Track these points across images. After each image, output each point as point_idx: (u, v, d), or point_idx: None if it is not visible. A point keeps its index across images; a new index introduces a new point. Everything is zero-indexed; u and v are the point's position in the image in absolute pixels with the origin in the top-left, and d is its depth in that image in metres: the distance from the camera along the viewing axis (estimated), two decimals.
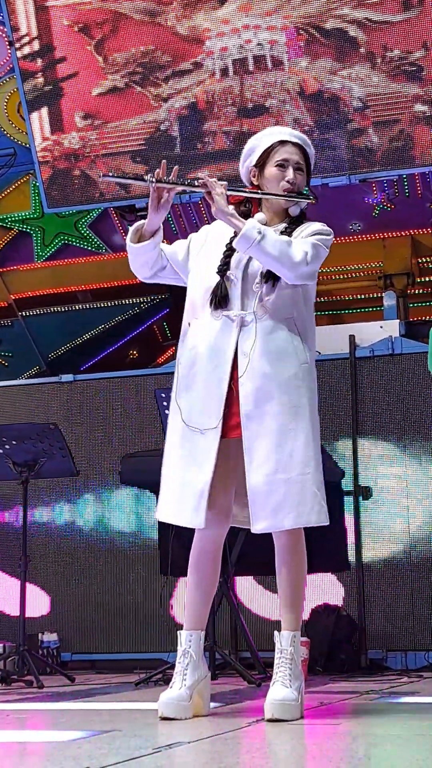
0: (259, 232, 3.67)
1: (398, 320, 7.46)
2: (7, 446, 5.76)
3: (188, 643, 3.81)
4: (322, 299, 9.11)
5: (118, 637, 6.72)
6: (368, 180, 7.64)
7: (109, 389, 7.21)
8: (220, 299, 3.79)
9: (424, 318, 8.30)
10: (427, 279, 8.98)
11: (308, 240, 3.80)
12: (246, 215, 3.84)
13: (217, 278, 3.82)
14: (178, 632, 3.88)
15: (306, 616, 6.06)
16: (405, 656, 6.15)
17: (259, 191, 3.88)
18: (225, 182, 3.80)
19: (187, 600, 3.90)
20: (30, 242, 9.39)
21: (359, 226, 8.54)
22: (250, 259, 3.80)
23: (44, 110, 8.12)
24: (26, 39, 8.06)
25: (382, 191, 8.19)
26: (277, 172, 3.88)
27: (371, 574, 6.31)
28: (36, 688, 5.24)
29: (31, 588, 6.40)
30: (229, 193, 3.79)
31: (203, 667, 3.84)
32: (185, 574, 5.93)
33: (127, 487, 6.76)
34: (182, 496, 3.80)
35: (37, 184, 8.43)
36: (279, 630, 3.82)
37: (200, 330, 3.82)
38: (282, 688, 3.65)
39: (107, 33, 7.85)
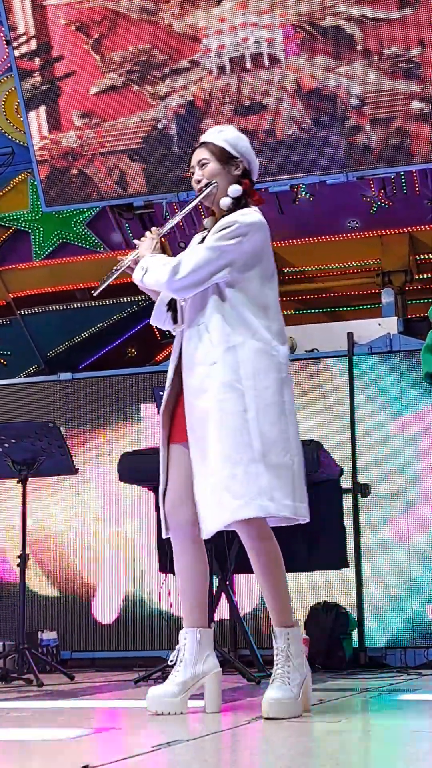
0: (142, 268, 3.90)
1: (396, 317, 7.46)
2: (6, 444, 5.77)
3: (183, 640, 3.87)
4: (321, 296, 9.12)
5: (117, 635, 6.72)
6: (366, 177, 7.63)
7: (107, 387, 7.21)
8: (173, 315, 3.99)
9: (422, 315, 8.30)
10: (425, 276, 8.97)
11: (203, 246, 3.85)
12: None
13: None
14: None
15: (305, 613, 6.06)
16: (404, 653, 6.17)
17: (183, 210, 4.06)
18: (154, 228, 4.08)
19: (181, 600, 3.94)
20: (28, 241, 9.38)
21: (357, 223, 8.54)
22: None
23: (42, 109, 8.12)
24: (24, 38, 8.06)
25: (380, 189, 8.19)
26: (192, 182, 4.01)
27: (370, 571, 6.32)
28: (35, 686, 5.25)
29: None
30: (162, 232, 4.06)
31: (203, 664, 3.86)
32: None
33: (125, 484, 6.75)
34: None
35: (35, 182, 8.42)
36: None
37: None
38: (278, 687, 3.66)
39: (104, 32, 7.84)
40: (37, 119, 8.14)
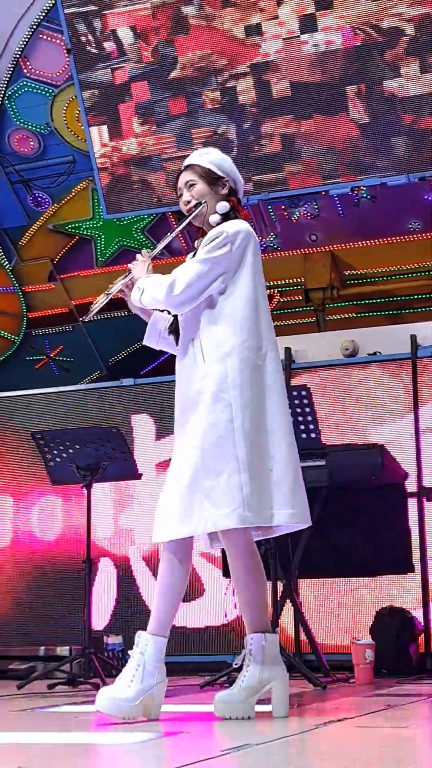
0: (139, 289, 3.99)
1: None
2: (70, 450, 5.81)
3: (144, 646, 3.89)
4: (382, 299, 9.06)
5: (182, 640, 6.73)
6: (427, 178, 7.57)
7: (169, 392, 7.20)
8: (173, 332, 4.07)
9: None
10: None
11: (193, 260, 3.94)
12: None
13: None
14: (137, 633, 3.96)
15: (371, 618, 6.02)
16: None
17: (173, 230, 4.17)
18: (145, 251, 4.18)
19: (154, 605, 3.99)
20: (90, 248, 9.45)
21: (419, 224, 8.49)
22: None
23: (103, 117, 8.17)
24: (85, 47, 8.11)
25: None
26: (180, 204, 4.12)
27: None
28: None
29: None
30: (153, 254, 4.14)
31: (157, 675, 3.88)
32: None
33: None
34: None
35: (97, 190, 8.48)
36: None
37: None
38: (230, 690, 3.84)
39: (164, 38, 7.87)
40: (98, 127, 8.19)
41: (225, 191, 4.07)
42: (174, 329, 4.08)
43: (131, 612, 6.96)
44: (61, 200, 9.34)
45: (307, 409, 5.44)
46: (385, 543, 5.96)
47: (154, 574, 6.27)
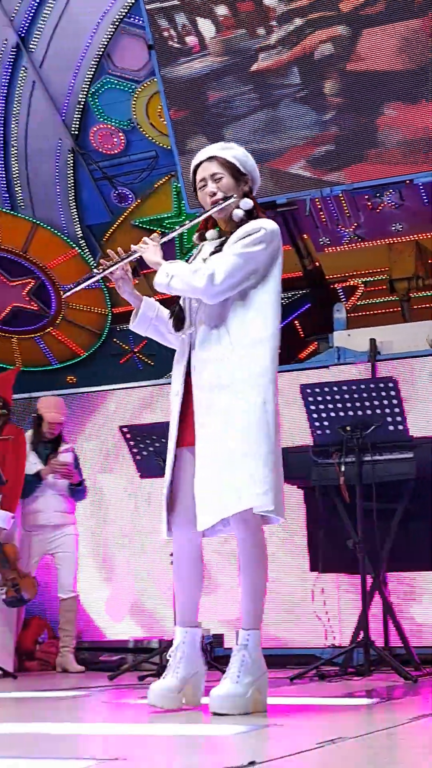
0: (167, 275, 3.94)
1: None
2: (156, 444, 5.85)
3: (182, 638, 4.00)
4: None
5: (271, 633, 6.74)
6: None
7: None
8: (176, 321, 4.07)
9: None
10: None
11: (230, 251, 3.95)
12: (203, 235, 4.16)
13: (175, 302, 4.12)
14: (175, 628, 4.05)
15: None
16: None
17: (189, 220, 4.17)
18: (155, 235, 4.12)
19: (176, 600, 4.09)
20: (172, 243, 9.49)
21: None
22: None
23: (185, 111, 8.20)
24: (168, 42, 8.15)
25: None
26: (202, 194, 4.11)
27: None
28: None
29: None
30: (162, 241, 4.08)
31: (199, 663, 4.02)
32: (335, 570, 5.99)
33: None
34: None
35: (179, 185, 8.51)
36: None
37: (175, 354, 4.13)
38: (228, 684, 3.78)
39: (245, 31, 7.87)
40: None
41: (246, 188, 4.11)
42: (178, 317, 4.07)
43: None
44: (144, 196, 9.40)
45: (394, 401, 5.39)
46: None
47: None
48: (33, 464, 7.02)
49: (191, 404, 3.98)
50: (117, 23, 8.80)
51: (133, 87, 8.97)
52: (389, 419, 5.38)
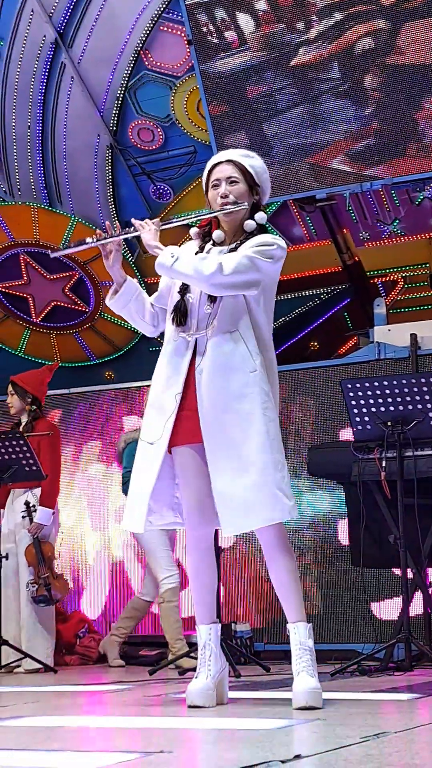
0: (172, 256, 3.96)
1: None
2: None
3: (208, 636, 4.07)
4: None
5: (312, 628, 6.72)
6: None
7: (292, 381, 7.23)
8: (180, 317, 4.06)
9: None
10: None
11: (241, 252, 3.99)
12: (208, 234, 4.16)
13: (178, 297, 4.10)
14: (197, 627, 4.12)
15: None
16: None
17: (195, 214, 4.25)
18: (157, 219, 4.15)
19: (194, 598, 4.16)
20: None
21: None
22: None
23: (224, 107, 8.20)
24: (207, 37, 8.14)
25: None
26: (213, 193, 4.13)
27: None
28: (234, 677, 5.31)
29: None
30: (163, 227, 4.13)
31: (223, 659, 4.11)
32: (376, 565, 5.98)
33: (314, 478, 6.77)
34: (131, 504, 4.10)
35: None
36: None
37: (165, 350, 4.12)
38: (309, 678, 3.85)
39: (286, 25, 7.85)
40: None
41: (255, 199, 4.16)
42: (183, 312, 4.07)
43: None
44: (183, 191, 9.41)
45: None
46: None
47: None
48: None
49: (186, 405, 4.01)
50: (156, 19, 8.81)
51: (172, 82, 8.97)
52: (431, 414, 5.36)
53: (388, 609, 6.40)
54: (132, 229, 4.12)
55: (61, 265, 9.79)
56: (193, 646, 6.11)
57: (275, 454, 3.94)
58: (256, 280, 3.98)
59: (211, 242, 4.16)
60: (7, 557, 6.64)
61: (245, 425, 3.93)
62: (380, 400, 5.39)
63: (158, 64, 9.01)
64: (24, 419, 7.00)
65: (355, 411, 5.47)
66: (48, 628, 6.75)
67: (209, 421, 3.96)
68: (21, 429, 6.87)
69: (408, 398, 5.35)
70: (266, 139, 8.04)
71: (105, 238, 4.07)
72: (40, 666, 6.47)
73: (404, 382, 5.37)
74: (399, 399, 5.36)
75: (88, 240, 4.08)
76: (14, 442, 6.43)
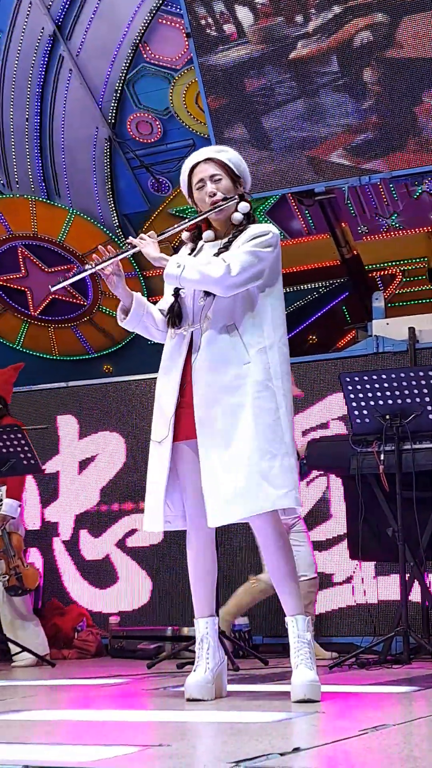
0: (178, 266, 3.97)
1: None
2: None
3: (205, 629, 4.08)
4: None
5: (310, 621, 6.73)
6: None
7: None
8: (174, 317, 4.09)
9: None
10: None
11: (241, 249, 4.01)
12: (199, 235, 4.20)
13: (172, 299, 4.12)
14: (195, 620, 4.12)
15: None
16: None
17: (188, 219, 4.17)
18: (152, 232, 4.12)
19: (192, 590, 4.15)
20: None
21: None
22: None
23: (223, 100, 8.18)
24: (206, 30, 8.13)
25: None
26: (200, 194, 4.15)
27: None
28: (232, 670, 5.31)
29: None
30: (159, 238, 4.10)
31: (221, 652, 4.10)
32: (375, 558, 5.98)
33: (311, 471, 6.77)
34: (148, 504, 4.10)
35: None
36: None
37: (165, 349, 4.15)
38: (307, 671, 3.85)
39: (284, 18, 7.83)
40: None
41: (241, 191, 4.18)
42: (177, 313, 4.09)
43: None
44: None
45: None
46: None
47: None
48: None
49: (184, 401, 4.02)
50: (154, 11, 8.80)
51: (171, 75, 8.96)
52: (429, 408, 5.36)
53: (386, 602, 6.40)
54: (129, 246, 4.13)
55: (59, 258, 9.79)
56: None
57: (264, 443, 3.90)
58: (261, 270, 4.01)
59: (202, 241, 4.20)
60: None
61: (233, 418, 3.93)
62: (378, 394, 5.39)
63: (157, 56, 9.00)
64: None
65: (354, 404, 5.47)
66: (30, 618, 6.80)
67: (201, 415, 3.97)
68: None
69: (406, 392, 5.35)
70: (265, 133, 8.03)
71: (102, 262, 4.07)
72: (34, 658, 6.50)
73: (402, 375, 5.37)
74: (397, 392, 5.36)
75: (87, 267, 4.10)
76: (12, 436, 6.43)
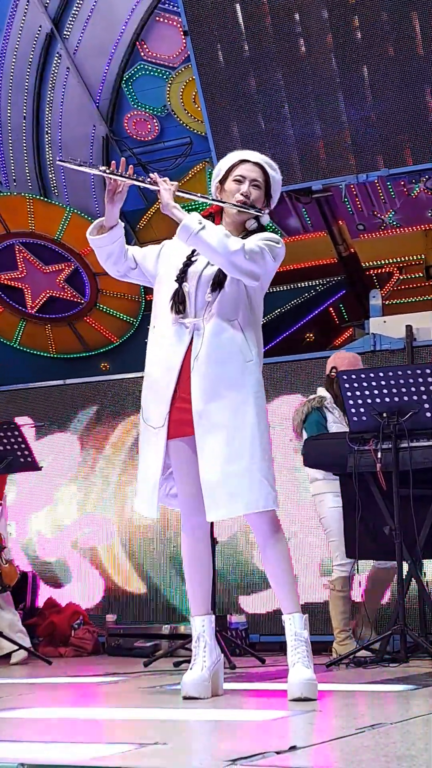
0: (200, 222, 3.91)
1: None
2: None
3: (202, 627, 4.07)
4: None
5: (307, 619, 6.72)
6: None
7: (288, 372, 7.22)
8: (178, 305, 4.04)
9: None
10: None
11: (254, 239, 4.02)
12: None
13: (176, 285, 4.07)
14: (191, 618, 4.11)
15: None
16: None
17: (210, 197, 4.15)
18: (176, 183, 4.09)
19: (187, 588, 4.16)
20: None
21: None
22: (204, 269, 4.05)
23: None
24: (204, 27, 8.11)
25: None
26: (234, 186, 4.11)
27: None
28: (228, 668, 5.30)
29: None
30: (178, 193, 4.06)
31: (217, 650, 4.10)
32: (372, 557, 5.97)
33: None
34: (141, 488, 4.10)
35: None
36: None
37: (158, 334, 4.10)
38: (304, 669, 3.84)
39: (283, 17, 7.82)
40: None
41: (266, 211, 4.18)
42: (181, 299, 4.07)
43: None
44: (178, 182, 9.38)
45: (431, 388, 5.36)
46: None
47: None
48: None
49: (180, 394, 4.00)
50: (151, 9, 8.79)
51: (168, 73, 8.95)
52: (426, 405, 5.35)
53: (383, 600, 6.39)
54: (149, 180, 4.07)
55: (56, 256, 9.78)
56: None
57: (264, 444, 3.95)
58: (259, 273, 4.00)
59: None
60: None
61: (237, 414, 3.93)
62: (376, 392, 5.38)
63: (154, 54, 8.98)
64: None
65: (351, 402, 5.46)
66: (13, 612, 6.81)
67: (200, 408, 3.96)
68: None
69: (403, 389, 5.34)
70: (262, 130, 8.03)
71: (120, 176, 4.00)
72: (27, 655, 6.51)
73: (400, 373, 5.36)
74: (395, 390, 5.35)
75: (101, 168, 4.00)
76: (8, 433, 6.43)
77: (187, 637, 6.09)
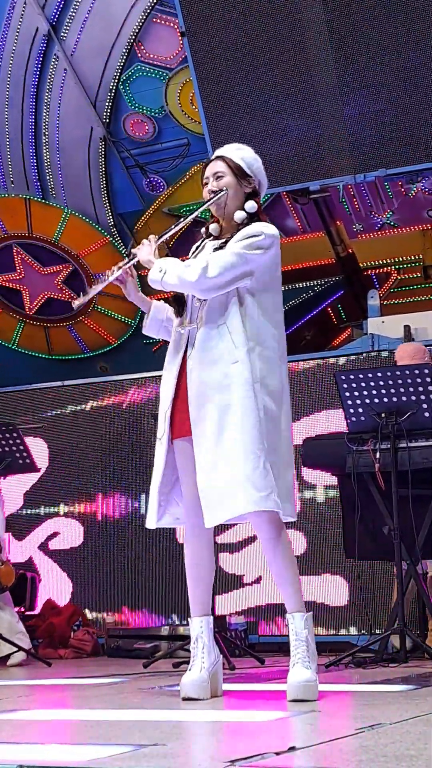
0: (160, 270, 4.04)
1: None
2: None
3: (200, 629, 4.07)
4: None
5: (311, 618, 6.72)
6: None
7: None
8: (178, 311, 4.17)
9: None
10: None
11: (228, 250, 4.02)
12: (208, 230, 4.26)
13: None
14: (190, 619, 4.13)
15: None
16: None
17: (184, 217, 4.30)
18: (152, 236, 4.22)
19: (189, 590, 4.15)
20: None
21: None
22: None
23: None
24: (201, 28, 8.11)
25: None
26: (205, 191, 4.20)
27: None
28: (228, 669, 5.30)
29: None
30: (159, 241, 4.20)
31: (216, 651, 4.10)
32: (370, 557, 5.97)
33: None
34: (150, 500, 4.18)
35: None
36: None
37: (169, 346, 4.21)
38: (303, 670, 3.83)
39: (279, 17, 7.81)
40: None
41: (249, 189, 4.17)
42: (183, 301, 4.16)
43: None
44: (176, 183, 9.39)
45: (430, 388, 5.36)
46: None
47: None
48: None
49: (180, 398, 4.06)
50: (149, 10, 8.79)
51: (165, 74, 8.95)
52: (425, 405, 5.35)
53: (382, 601, 6.39)
54: (132, 256, 4.21)
55: (54, 257, 9.78)
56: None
57: (249, 444, 3.90)
58: (247, 272, 4.00)
59: (210, 236, 4.24)
60: None
61: (221, 417, 3.94)
62: (374, 392, 5.38)
63: (151, 56, 8.98)
64: None
65: (349, 402, 5.46)
66: (11, 613, 6.80)
67: (194, 415, 3.99)
68: None
69: (402, 390, 5.34)
70: (259, 131, 8.01)
71: (113, 274, 4.18)
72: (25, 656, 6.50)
73: (398, 373, 5.37)
74: (393, 390, 5.36)
75: (101, 278, 4.21)
76: (8, 435, 6.43)
77: (186, 639, 6.09)
